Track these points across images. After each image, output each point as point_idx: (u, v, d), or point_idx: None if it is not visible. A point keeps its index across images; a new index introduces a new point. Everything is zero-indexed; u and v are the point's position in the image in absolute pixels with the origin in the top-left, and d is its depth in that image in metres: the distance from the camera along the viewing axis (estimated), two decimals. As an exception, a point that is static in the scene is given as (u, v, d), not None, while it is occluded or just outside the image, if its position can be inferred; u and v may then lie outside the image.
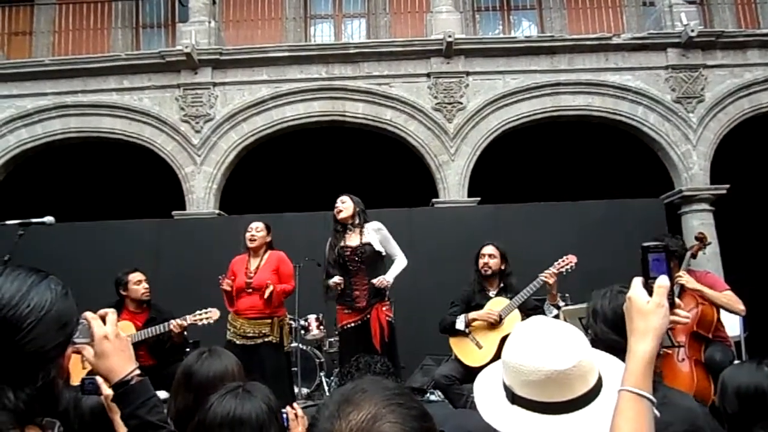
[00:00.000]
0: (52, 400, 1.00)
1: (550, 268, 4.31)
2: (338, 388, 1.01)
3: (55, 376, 0.98)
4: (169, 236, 7.59)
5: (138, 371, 1.32)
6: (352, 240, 4.53)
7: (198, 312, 4.38)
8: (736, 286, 4.24)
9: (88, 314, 1.31)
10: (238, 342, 4.47)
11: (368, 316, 4.40)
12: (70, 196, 10.14)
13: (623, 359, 1.16)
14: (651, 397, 1.08)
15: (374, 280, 4.40)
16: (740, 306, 4.04)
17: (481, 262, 4.50)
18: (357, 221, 4.57)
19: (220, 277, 4.61)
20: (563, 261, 4.35)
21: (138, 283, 4.57)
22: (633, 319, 1.16)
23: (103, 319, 1.32)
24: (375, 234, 4.55)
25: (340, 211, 4.59)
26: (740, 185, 9.05)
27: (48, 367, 0.97)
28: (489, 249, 4.54)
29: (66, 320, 1.01)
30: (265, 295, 4.45)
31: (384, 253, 4.56)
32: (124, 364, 1.30)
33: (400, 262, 4.59)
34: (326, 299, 4.68)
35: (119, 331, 1.33)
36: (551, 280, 4.25)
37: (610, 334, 1.62)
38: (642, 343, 1.12)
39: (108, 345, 1.28)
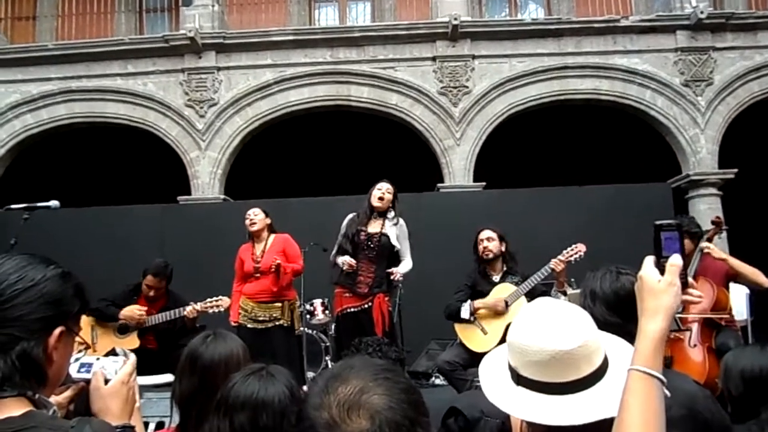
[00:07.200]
0: (37, 376, 1.03)
1: (559, 257, 4.23)
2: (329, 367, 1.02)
3: (36, 351, 1.02)
4: (174, 221, 7.61)
5: (130, 427, 1.25)
6: (373, 227, 4.49)
7: (209, 300, 4.45)
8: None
9: (131, 358, 1.30)
10: (249, 326, 4.52)
11: (370, 303, 4.39)
12: (76, 180, 10.17)
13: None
14: (661, 376, 1.07)
15: (391, 269, 4.39)
16: (763, 278, 3.98)
17: (481, 247, 4.44)
18: (388, 214, 4.53)
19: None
20: (572, 250, 4.26)
21: (149, 289, 4.62)
22: (644, 299, 1.14)
23: None
24: (396, 228, 4.51)
25: (382, 199, 4.51)
26: (748, 169, 8.98)
27: (29, 339, 1.02)
28: (486, 233, 4.47)
29: (57, 298, 1.07)
30: (272, 269, 4.44)
31: (397, 249, 4.51)
32: (123, 415, 1.24)
33: (406, 264, 4.54)
34: (332, 277, 4.61)
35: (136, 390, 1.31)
36: (559, 268, 4.19)
37: (609, 316, 1.60)
38: (652, 322, 1.10)
39: (123, 390, 1.25)
